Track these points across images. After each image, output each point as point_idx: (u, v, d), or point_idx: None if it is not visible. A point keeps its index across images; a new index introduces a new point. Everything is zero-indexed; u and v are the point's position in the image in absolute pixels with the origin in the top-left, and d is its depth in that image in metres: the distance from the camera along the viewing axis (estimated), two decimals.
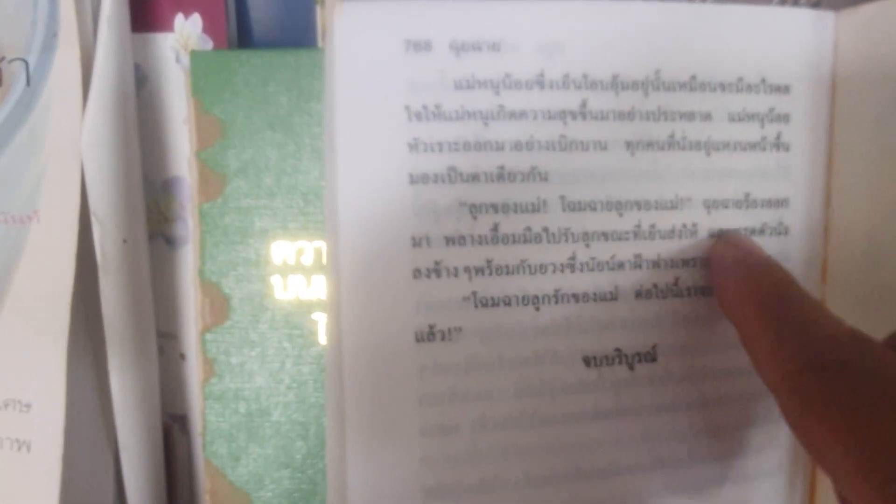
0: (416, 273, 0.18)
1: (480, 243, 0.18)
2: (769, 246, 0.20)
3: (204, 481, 0.24)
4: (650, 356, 0.19)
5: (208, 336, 0.24)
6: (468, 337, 0.18)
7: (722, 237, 0.20)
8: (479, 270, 0.18)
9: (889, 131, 0.20)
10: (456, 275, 0.18)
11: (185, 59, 0.25)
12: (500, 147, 0.19)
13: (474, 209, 0.18)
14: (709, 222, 0.20)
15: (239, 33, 0.25)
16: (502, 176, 0.19)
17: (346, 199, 0.18)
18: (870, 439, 0.12)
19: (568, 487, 0.19)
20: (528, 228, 0.19)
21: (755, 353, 0.17)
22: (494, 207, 0.19)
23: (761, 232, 0.20)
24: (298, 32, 0.25)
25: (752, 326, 0.17)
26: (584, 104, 0.19)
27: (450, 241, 0.18)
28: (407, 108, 0.18)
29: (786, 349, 0.15)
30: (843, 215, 0.21)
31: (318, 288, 0.24)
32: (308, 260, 0.24)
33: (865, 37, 0.20)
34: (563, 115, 0.19)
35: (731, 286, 0.18)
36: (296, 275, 0.24)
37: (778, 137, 0.20)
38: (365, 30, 0.18)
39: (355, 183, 0.18)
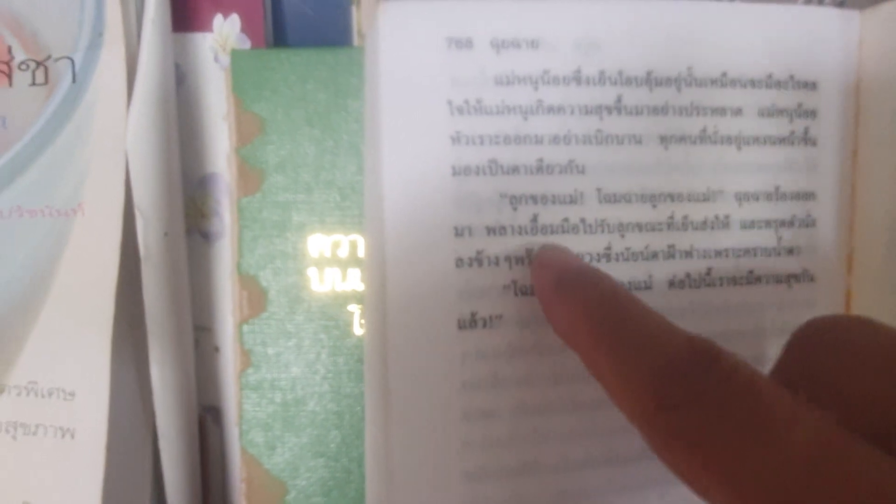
0: (459, 262, 0.19)
1: (520, 233, 0.19)
2: (798, 238, 0.21)
3: (240, 470, 0.25)
4: None
5: (245, 327, 0.25)
6: (509, 324, 0.19)
7: (535, 260, 0.19)
8: (519, 260, 0.19)
9: None
10: (497, 264, 0.19)
11: (224, 59, 0.25)
12: (539, 140, 0.19)
13: (514, 200, 0.19)
14: (740, 214, 0.20)
15: (275, 33, 0.26)
16: (541, 168, 0.19)
17: (391, 192, 0.19)
18: (742, 473, 0.12)
19: (604, 471, 0.20)
20: (566, 219, 0.19)
21: (605, 388, 0.15)
22: (534, 199, 0.19)
23: (791, 224, 0.21)
24: (334, 32, 0.26)
25: (592, 358, 0.16)
26: (619, 99, 0.20)
27: (491, 231, 0.19)
28: (449, 102, 0.19)
29: (632, 386, 0.14)
30: (868, 208, 0.21)
31: (353, 280, 0.24)
32: (344, 253, 0.24)
33: (886, 34, 0.21)
34: (599, 109, 0.20)
35: (560, 313, 0.17)
36: (332, 267, 0.24)
37: (806, 132, 0.21)
38: (408, 29, 0.19)
39: (400, 175, 0.19)
